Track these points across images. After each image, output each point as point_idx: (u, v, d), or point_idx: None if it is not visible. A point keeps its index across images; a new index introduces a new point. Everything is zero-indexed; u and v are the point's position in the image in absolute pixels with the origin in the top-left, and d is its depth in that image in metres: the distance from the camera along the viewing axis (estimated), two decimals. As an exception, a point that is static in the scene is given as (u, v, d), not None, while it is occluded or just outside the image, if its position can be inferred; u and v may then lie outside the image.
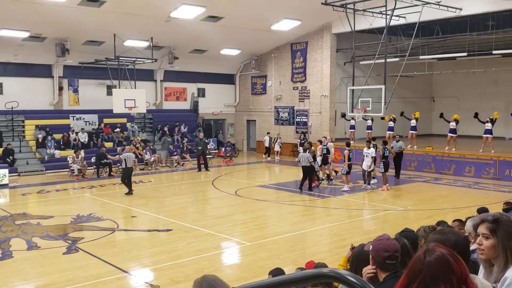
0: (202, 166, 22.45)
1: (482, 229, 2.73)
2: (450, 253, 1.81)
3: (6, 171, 18.56)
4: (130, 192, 16.35)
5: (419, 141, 22.79)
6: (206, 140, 24.80)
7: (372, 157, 16.99)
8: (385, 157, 17.40)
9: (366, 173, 17.35)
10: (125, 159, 16.32)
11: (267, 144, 27.10)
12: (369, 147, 17.06)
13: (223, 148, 27.15)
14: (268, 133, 27.87)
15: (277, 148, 26.46)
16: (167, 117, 27.89)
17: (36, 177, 20.64)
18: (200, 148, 22.45)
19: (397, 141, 19.43)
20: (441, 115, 22.56)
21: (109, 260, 9.34)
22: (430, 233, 4.92)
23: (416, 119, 22.12)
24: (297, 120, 27.45)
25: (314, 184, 17.22)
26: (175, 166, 23.61)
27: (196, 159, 23.23)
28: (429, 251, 1.80)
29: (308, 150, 16.70)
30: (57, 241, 10.71)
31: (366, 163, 17.07)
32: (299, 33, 26.08)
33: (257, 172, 23.24)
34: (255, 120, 30.38)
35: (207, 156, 23.16)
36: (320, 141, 19.26)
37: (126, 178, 16.49)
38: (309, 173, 16.71)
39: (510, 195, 15.57)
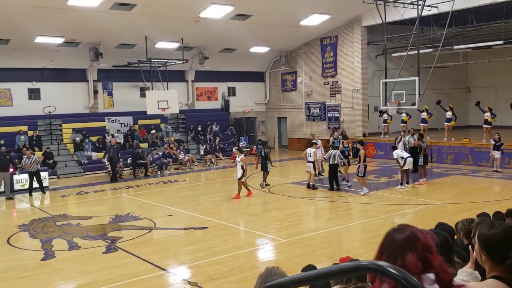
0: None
1: None
2: (419, 230, 1.93)
3: (46, 173, 19.10)
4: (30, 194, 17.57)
5: (456, 133, 22.23)
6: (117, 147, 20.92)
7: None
8: (424, 150, 17.08)
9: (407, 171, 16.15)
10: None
11: None
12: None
13: (254, 146, 27.18)
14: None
15: None
16: (199, 117, 28.16)
17: (75, 179, 21.19)
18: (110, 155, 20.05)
19: (412, 135, 18.50)
20: (477, 104, 21.91)
21: (147, 258, 9.50)
22: (468, 226, 4.81)
23: (452, 111, 21.56)
24: (328, 115, 27.22)
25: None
26: (208, 165, 23.81)
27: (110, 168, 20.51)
28: (399, 229, 1.92)
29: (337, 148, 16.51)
30: (97, 241, 10.97)
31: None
32: (328, 27, 25.84)
33: (290, 169, 23.16)
34: (286, 117, 30.30)
35: (117, 166, 20.39)
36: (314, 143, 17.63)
37: (30, 181, 17.81)
38: (335, 171, 16.26)
39: (553, 186, 15.04)
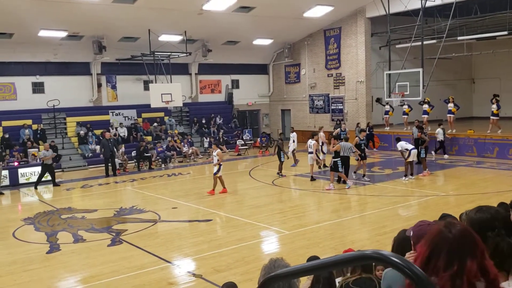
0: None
1: None
2: (469, 228, 1.78)
3: (50, 167, 19.15)
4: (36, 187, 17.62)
5: (460, 125, 22.14)
6: (116, 140, 21.16)
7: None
8: (426, 142, 17.11)
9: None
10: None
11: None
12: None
13: (258, 139, 27.19)
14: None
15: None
16: (203, 109, 28.18)
17: (79, 172, 21.26)
18: (104, 150, 19.50)
19: (416, 127, 18.61)
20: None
21: (152, 250, 9.55)
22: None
23: (454, 102, 21.47)
24: (332, 107, 27.16)
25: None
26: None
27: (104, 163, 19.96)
28: (450, 225, 1.75)
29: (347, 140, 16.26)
30: (102, 234, 11.03)
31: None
32: (332, 19, 25.72)
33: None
34: (290, 110, 30.26)
35: (115, 159, 20.13)
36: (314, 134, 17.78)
37: (42, 174, 17.86)
38: (346, 164, 15.56)
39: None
